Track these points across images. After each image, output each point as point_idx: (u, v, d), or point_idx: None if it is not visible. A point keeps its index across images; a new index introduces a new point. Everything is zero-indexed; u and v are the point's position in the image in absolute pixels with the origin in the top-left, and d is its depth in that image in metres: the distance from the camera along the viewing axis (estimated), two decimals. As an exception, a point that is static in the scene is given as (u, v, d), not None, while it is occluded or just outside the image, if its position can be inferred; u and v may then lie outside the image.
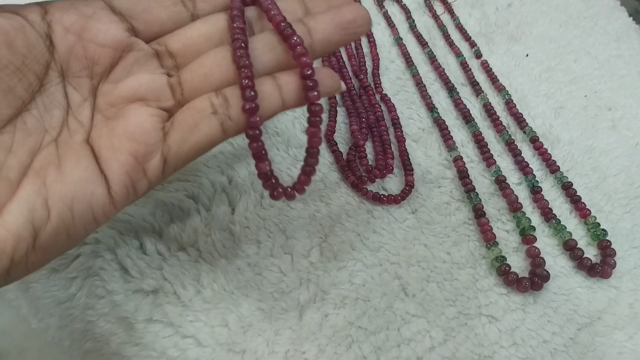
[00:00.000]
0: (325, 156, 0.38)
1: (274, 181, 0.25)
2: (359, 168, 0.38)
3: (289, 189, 0.25)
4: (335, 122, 0.40)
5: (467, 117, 0.43)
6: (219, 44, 0.26)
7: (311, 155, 0.26)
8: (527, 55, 0.51)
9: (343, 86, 0.37)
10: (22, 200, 0.20)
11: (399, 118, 0.42)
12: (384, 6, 0.55)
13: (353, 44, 0.48)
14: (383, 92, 0.44)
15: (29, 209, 0.20)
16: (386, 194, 0.36)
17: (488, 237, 0.35)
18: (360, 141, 0.39)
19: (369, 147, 0.40)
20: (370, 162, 0.39)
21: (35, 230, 0.20)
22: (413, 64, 0.48)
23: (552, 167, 0.40)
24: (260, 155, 0.24)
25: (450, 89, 0.46)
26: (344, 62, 0.46)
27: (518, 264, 0.35)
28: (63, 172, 0.21)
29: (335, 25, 0.26)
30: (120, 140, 0.23)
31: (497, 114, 0.44)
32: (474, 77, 0.47)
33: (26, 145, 0.21)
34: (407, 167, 0.38)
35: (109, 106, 0.24)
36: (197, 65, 0.25)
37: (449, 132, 0.42)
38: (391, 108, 0.42)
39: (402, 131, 0.41)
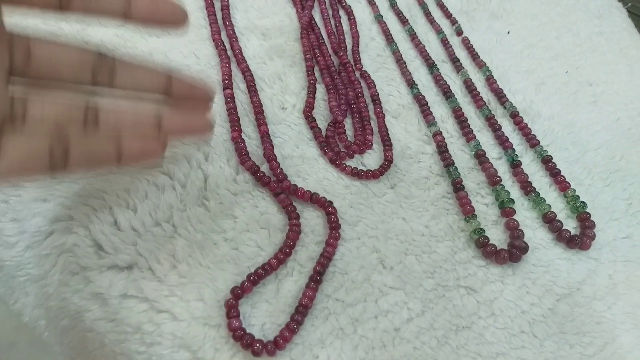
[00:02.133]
0: (303, 132, 0.38)
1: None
2: (337, 144, 0.37)
3: (270, 346, 0.27)
4: (314, 98, 0.40)
5: (447, 93, 0.43)
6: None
7: (300, 313, 0.28)
8: (508, 33, 0.51)
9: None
10: None
11: (378, 94, 0.42)
12: (365, -15, 0.54)
13: (333, 22, 0.48)
14: (363, 69, 0.44)
15: None
16: (365, 169, 0.36)
17: (467, 210, 0.35)
18: (339, 117, 0.38)
19: (348, 124, 0.40)
20: (349, 139, 0.38)
21: None
22: (393, 41, 0.47)
23: (532, 141, 0.40)
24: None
25: (431, 66, 0.45)
26: (323, 39, 0.45)
27: (497, 236, 0.35)
28: None
29: None
30: None
31: (478, 90, 0.44)
32: (454, 53, 0.47)
33: None
34: (386, 143, 0.38)
35: None
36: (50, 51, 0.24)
37: (429, 108, 0.41)
38: (371, 85, 0.42)
39: (381, 107, 0.41)
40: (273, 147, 0.36)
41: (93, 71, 0.25)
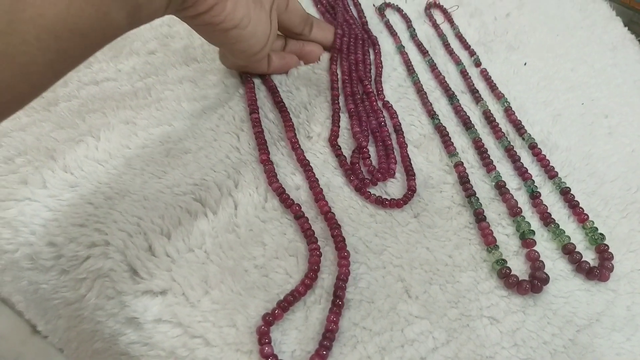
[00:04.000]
0: (329, 160, 0.39)
1: None
2: (362, 171, 0.38)
3: None
4: (339, 127, 0.41)
5: (467, 124, 0.44)
6: None
7: (327, 338, 0.29)
8: (525, 64, 0.52)
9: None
10: None
11: (400, 124, 0.43)
12: (385, 15, 0.56)
13: (361, 51, 0.49)
14: (385, 99, 0.45)
15: None
16: (389, 198, 0.37)
17: (489, 241, 0.36)
18: (363, 142, 0.39)
19: (371, 153, 0.41)
20: (373, 165, 0.39)
21: None
22: (414, 71, 0.49)
23: (550, 173, 0.41)
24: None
25: (451, 97, 0.47)
26: (353, 67, 0.46)
27: (518, 267, 0.35)
28: None
29: None
30: None
31: (497, 121, 0.45)
32: (473, 84, 0.48)
33: None
34: (410, 172, 0.39)
35: None
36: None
37: (450, 138, 0.42)
38: (393, 114, 0.43)
39: (404, 137, 0.42)
40: (304, 154, 0.38)
41: (303, 25, 0.44)
